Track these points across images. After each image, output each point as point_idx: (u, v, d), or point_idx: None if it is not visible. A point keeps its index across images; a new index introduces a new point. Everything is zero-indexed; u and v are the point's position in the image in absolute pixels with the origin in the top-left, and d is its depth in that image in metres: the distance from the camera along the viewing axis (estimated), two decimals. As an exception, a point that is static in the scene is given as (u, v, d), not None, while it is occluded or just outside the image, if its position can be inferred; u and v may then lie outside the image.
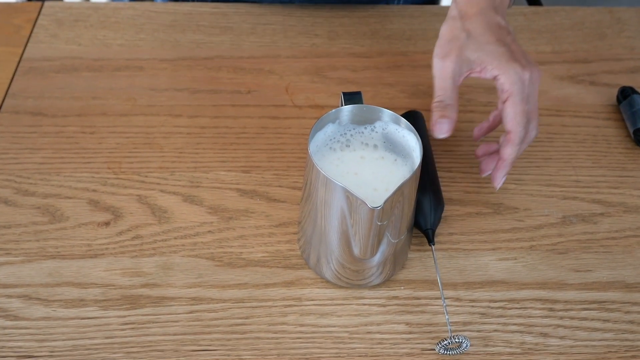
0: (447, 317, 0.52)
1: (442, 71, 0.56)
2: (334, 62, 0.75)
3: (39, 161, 0.64)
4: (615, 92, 0.72)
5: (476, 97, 0.72)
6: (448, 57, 0.55)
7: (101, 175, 0.63)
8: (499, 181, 0.57)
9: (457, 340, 0.50)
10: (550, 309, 0.55)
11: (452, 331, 0.52)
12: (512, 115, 0.54)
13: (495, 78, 0.55)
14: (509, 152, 0.56)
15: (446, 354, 0.51)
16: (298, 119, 0.69)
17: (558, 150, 0.67)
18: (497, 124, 0.62)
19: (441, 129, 0.55)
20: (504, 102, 0.55)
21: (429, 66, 0.75)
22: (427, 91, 0.72)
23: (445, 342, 0.50)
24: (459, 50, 0.55)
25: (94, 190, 0.62)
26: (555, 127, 0.69)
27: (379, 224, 0.48)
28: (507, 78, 0.54)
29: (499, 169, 0.57)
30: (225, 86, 0.72)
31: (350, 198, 0.47)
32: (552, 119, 0.70)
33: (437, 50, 0.57)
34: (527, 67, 0.55)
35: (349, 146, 0.54)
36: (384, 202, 0.46)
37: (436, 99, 0.55)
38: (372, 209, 0.46)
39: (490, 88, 0.73)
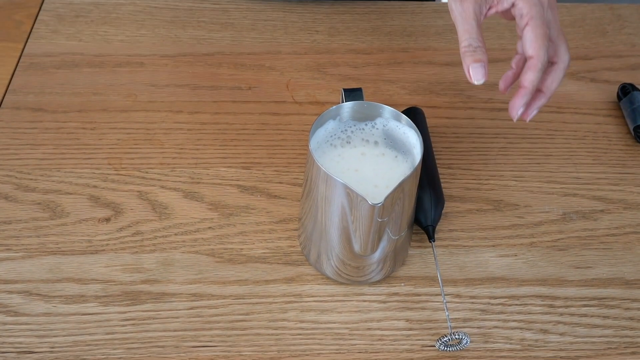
0: (447, 313, 0.52)
1: (464, 13, 0.53)
2: (334, 58, 0.75)
3: (39, 157, 0.64)
4: (615, 89, 0.72)
5: (477, 94, 0.72)
6: None
7: (102, 171, 0.63)
8: (516, 110, 0.54)
9: (457, 336, 0.50)
10: (550, 306, 0.55)
11: (452, 327, 0.52)
12: (534, 38, 0.52)
13: (512, 5, 0.53)
14: (530, 78, 0.53)
15: (446, 350, 0.51)
16: (298, 115, 0.69)
17: (558, 147, 0.67)
18: (521, 68, 0.57)
19: (477, 74, 0.52)
20: (524, 27, 0.52)
21: (429, 63, 0.75)
22: (428, 87, 0.72)
23: (445, 338, 0.50)
24: None
25: (95, 186, 0.62)
26: (556, 124, 0.69)
27: (380, 220, 0.48)
28: (526, 1, 0.52)
29: (518, 97, 0.53)
30: (225, 82, 0.72)
31: (350, 195, 0.47)
32: (552, 116, 0.70)
33: None
34: None
35: (350, 143, 0.54)
36: (385, 199, 0.46)
37: (463, 42, 0.53)
38: (373, 206, 0.46)
39: (491, 85, 0.73)
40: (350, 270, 0.54)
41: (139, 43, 0.75)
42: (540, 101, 0.55)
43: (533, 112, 0.55)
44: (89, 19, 0.78)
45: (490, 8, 0.54)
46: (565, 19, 0.81)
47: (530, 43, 0.52)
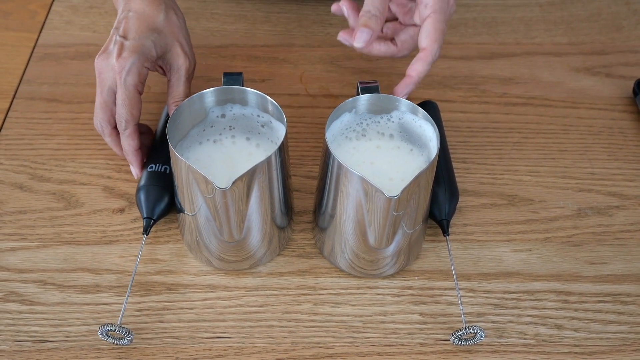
0: (461, 307, 0.52)
1: None
2: (348, 51, 0.74)
3: (54, 147, 0.64)
4: (631, 84, 0.71)
5: (491, 88, 0.71)
6: None
7: (116, 162, 0.63)
8: (400, 96, 0.55)
9: (471, 330, 0.50)
10: (565, 301, 0.55)
11: (466, 322, 0.52)
12: (432, 31, 0.53)
13: None
14: (418, 69, 0.55)
15: (460, 344, 0.51)
16: (312, 108, 0.69)
17: (573, 142, 0.67)
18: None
19: (360, 37, 0.54)
20: (425, 18, 0.54)
21: (443, 56, 0.75)
22: (442, 81, 0.72)
23: (460, 332, 0.50)
24: None
25: (109, 177, 0.62)
26: (571, 119, 0.69)
27: (395, 214, 0.48)
28: None
29: (406, 86, 0.56)
30: (239, 74, 0.72)
31: (366, 187, 0.47)
32: (567, 111, 0.70)
33: None
34: None
35: (365, 135, 0.54)
36: (401, 192, 0.46)
37: (365, 7, 0.55)
38: (389, 199, 0.46)
39: (506, 80, 0.72)
40: (364, 264, 0.54)
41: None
42: (412, 87, 0.56)
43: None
44: (103, 10, 0.78)
45: None
46: (581, 13, 0.80)
47: (428, 35, 0.54)
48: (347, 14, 0.59)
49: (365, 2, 0.55)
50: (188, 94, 0.58)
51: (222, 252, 0.53)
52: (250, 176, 0.48)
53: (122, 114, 0.55)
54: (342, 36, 0.58)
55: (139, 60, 0.55)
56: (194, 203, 0.50)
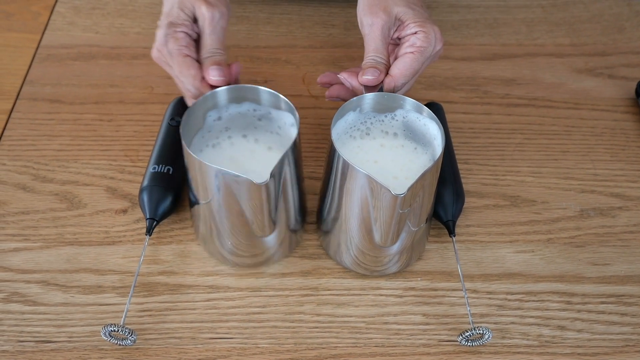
0: (468, 308, 0.52)
1: (372, 29, 0.55)
2: (350, 52, 0.75)
3: (56, 148, 0.64)
4: (634, 85, 0.72)
5: (493, 89, 0.71)
6: (377, 15, 0.55)
7: (119, 163, 0.63)
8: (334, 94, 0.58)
9: (479, 331, 0.50)
10: (568, 302, 0.55)
11: (473, 322, 0.52)
12: (407, 67, 0.54)
13: (414, 33, 0.55)
14: (370, 85, 0.55)
15: (467, 345, 0.51)
16: (314, 109, 0.69)
17: (576, 143, 0.67)
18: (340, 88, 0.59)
19: (369, 72, 0.54)
20: (407, 53, 0.55)
21: (445, 57, 0.75)
22: (444, 82, 0.72)
23: (467, 333, 0.50)
24: (386, 5, 0.55)
25: (112, 178, 0.62)
26: (573, 120, 0.69)
27: (401, 211, 0.48)
28: (426, 37, 0.54)
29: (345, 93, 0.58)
30: (241, 75, 0.71)
31: (372, 185, 0.47)
32: (570, 112, 0.70)
33: (364, 7, 0.56)
34: (441, 41, 0.56)
35: (369, 134, 0.54)
36: (407, 190, 0.46)
37: (370, 56, 0.55)
38: (395, 196, 0.46)
39: (508, 81, 0.72)
40: (369, 260, 0.54)
41: (155, 35, 0.75)
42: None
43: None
44: (105, 11, 0.78)
45: (395, 31, 0.56)
46: (583, 14, 0.80)
47: (401, 67, 0.55)
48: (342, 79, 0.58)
49: (369, 52, 0.55)
50: (218, 47, 0.55)
51: (238, 246, 0.54)
52: (279, 167, 0.48)
53: (184, 81, 0.55)
54: (329, 95, 0.59)
55: (169, 28, 0.55)
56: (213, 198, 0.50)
